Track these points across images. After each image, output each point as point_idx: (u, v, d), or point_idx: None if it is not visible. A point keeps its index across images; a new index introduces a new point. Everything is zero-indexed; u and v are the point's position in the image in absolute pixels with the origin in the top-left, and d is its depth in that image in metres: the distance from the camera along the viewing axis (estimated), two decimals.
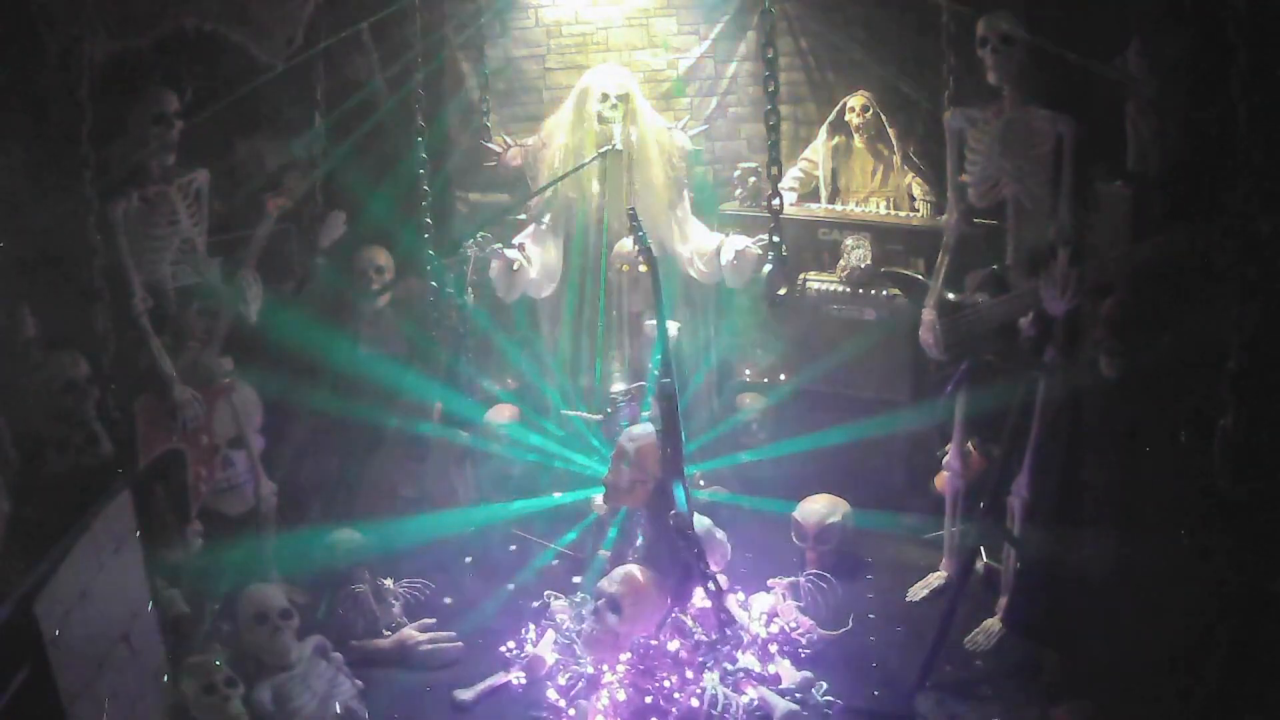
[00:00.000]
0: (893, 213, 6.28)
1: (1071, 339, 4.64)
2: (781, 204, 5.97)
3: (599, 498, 5.62)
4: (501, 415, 6.25)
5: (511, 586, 5.63)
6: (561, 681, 4.80)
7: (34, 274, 4.94)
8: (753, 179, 6.41)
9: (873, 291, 6.07)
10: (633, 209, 5.38)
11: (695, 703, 4.49)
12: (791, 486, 5.89)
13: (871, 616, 5.29)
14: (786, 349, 6.36)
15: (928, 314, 5.16)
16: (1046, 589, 4.65)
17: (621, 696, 4.55)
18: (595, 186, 6.21)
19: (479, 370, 6.33)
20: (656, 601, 4.73)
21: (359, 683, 4.82)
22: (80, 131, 4.58)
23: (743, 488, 6.20)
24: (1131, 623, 4.28)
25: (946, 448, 5.52)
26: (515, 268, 6.02)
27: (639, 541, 4.93)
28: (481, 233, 5.93)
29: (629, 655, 4.79)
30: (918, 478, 6.06)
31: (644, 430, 4.88)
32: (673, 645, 4.64)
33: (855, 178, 6.44)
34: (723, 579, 5.20)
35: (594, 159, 6.05)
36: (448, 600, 5.61)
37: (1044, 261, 4.76)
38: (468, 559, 5.89)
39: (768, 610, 5.11)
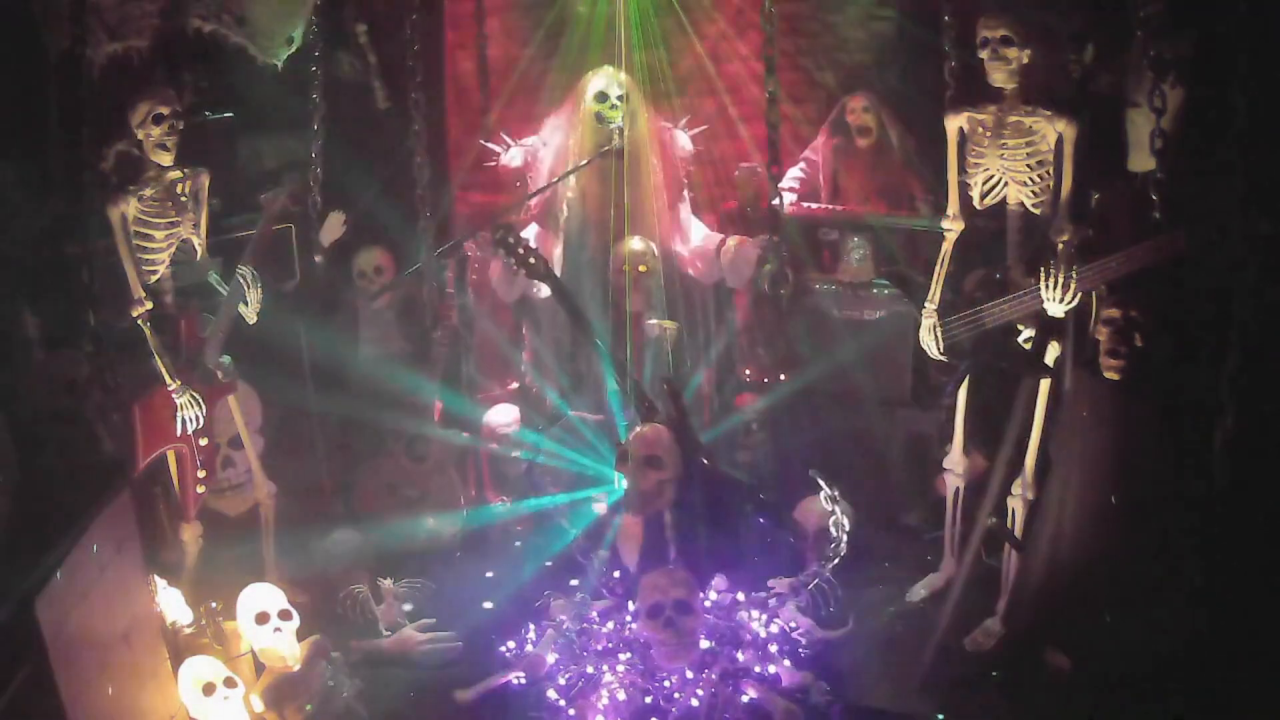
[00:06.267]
0: (893, 213, 6.28)
1: (1071, 339, 4.64)
2: (781, 204, 5.98)
3: (601, 504, 5.63)
4: (502, 416, 6.25)
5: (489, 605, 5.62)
6: (561, 681, 4.79)
7: (34, 274, 4.95)
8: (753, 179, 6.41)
9: (873, 291, 6.07)
10: (501, 226, 5.33)
11: (695, 703, 4.50)
12: (791, 487, 5.89)
13: (871, 616, 5.29)
14: (786, 349, 6.36)
15: (928, 314, 5.16)
16: (1047, 589, 4.65)
17: (621, 696, 4.55)
18: (595, 186, 6.21)
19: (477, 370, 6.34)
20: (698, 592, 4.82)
21: (359, 682, 4.82)
22: (80, 132, 4.58)
23: None
24: (1132, 622, 4.28)
25: (946, 448, 5.51)
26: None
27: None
28: (481, 233, 5.94)
29: (628, 655, 4.81)
30: (918, 478, 6.06)
31: (657, 430, 4.84)
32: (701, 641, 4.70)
33: (855, 178, 6.45)
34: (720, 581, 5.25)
35: (594, 159, 6.06)
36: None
37: (1044, 261, 4.76)
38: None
39: (767, 611, 5.11)
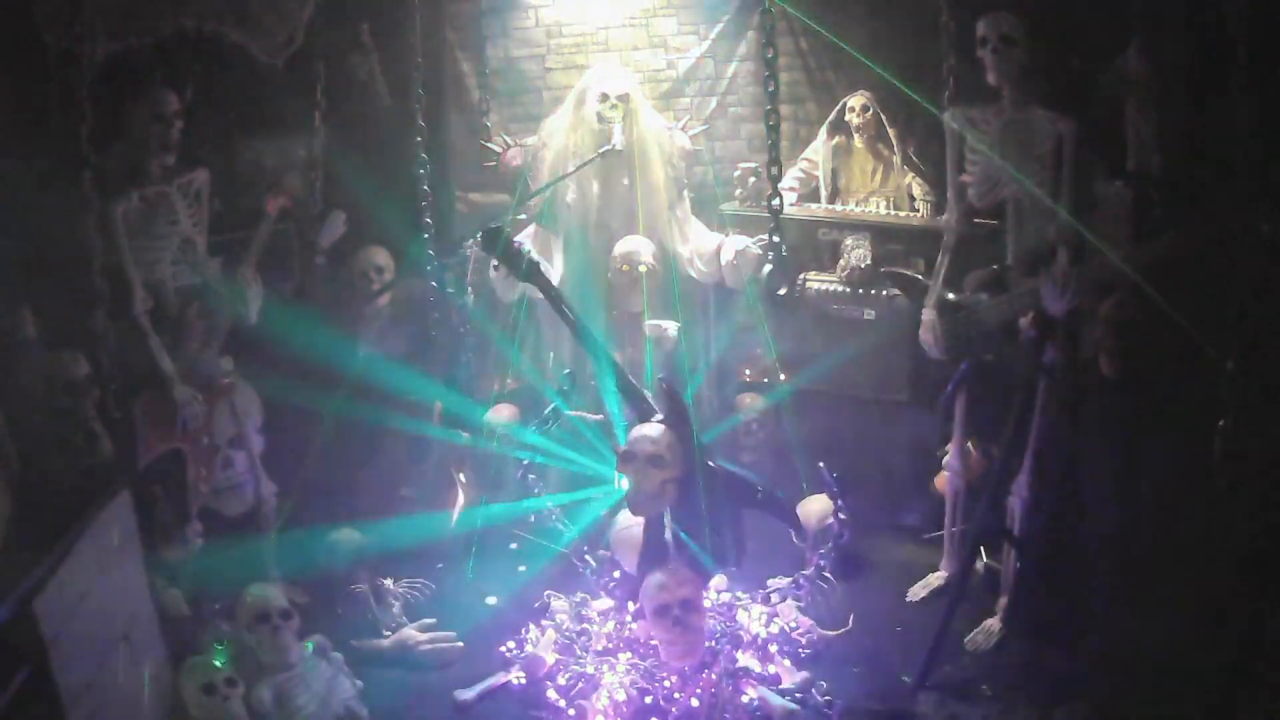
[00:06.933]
0: (893, 213, 6.28)
1: (1071, 339, 4.64)
2: (781, 204, 5.97)
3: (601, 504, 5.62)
4: (501, 415, 6.25)
5: (492, 600, 5.60)
6: (561, 681, 4.80)
7: (34, 274, 4.95)
8: (753, 179, 6.42)
9: (873, 291, 6.07)
10: (491, 228, 5.33)
11: (695, 703, 4.50)
12: (792, 486, 5.88)
13: (871, 616, 5.29)
14: (786, 349, 6.36)
15: (928, 314, 5.16)
16: (1047, 589, 4.65)
17: (621, 696, 4.55)
18: (595, 186, 6.21)
19: (480, 370, 6.33)
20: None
21: (359, 683, 4.82)
22: (80, 131, 4.58)
23: None
24: (1132, 622, 4.28)
25: (946, 448, 5.51)
26: None
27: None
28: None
29: (628, 655, 4.81)
30: (918, 478, 6.06)
31: (658, 429, 4.85)
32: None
33: (855, 178, 6.44)
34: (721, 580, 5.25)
35: (594, 159, 6.06)
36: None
37: (1044, 261, 4.76)
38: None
39: (768, 610, 5.11)
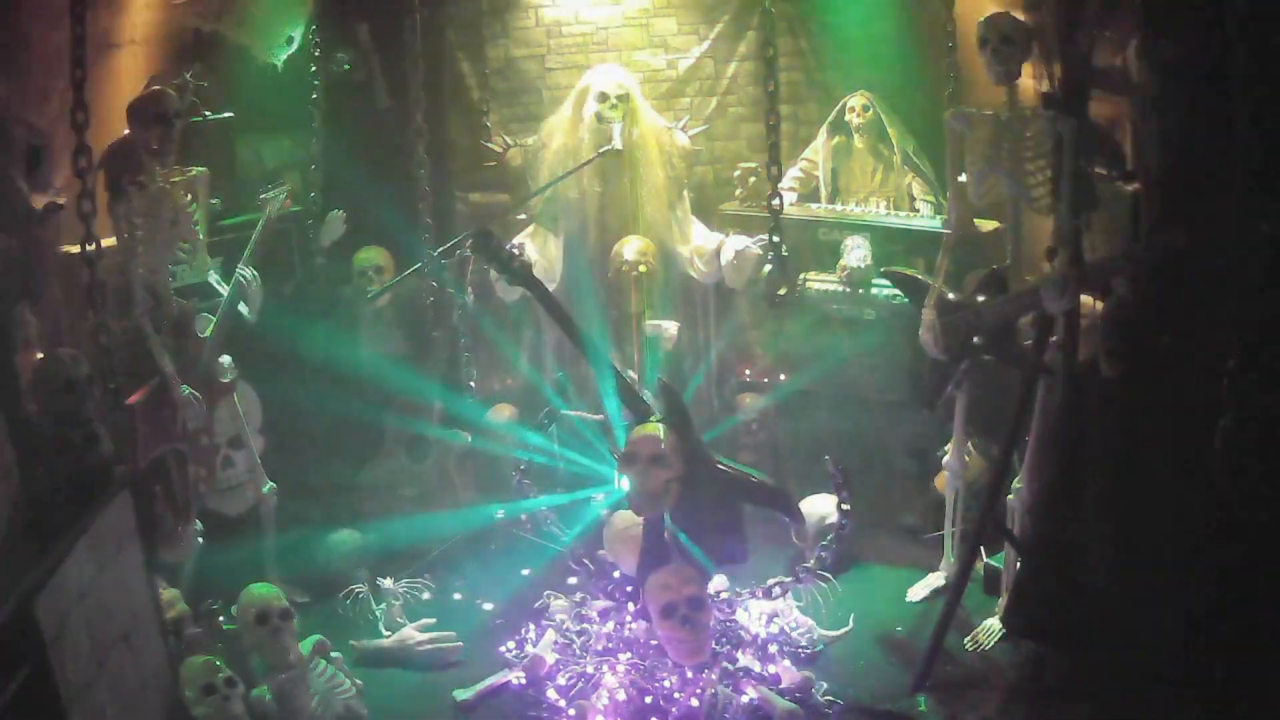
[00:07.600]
0: (893, 213, 6.28)
1: (1071, 339, 4.63)
2: (781, 204, 5.98)
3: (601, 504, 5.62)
4: (501, 415, 6.26)
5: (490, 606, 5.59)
6: (561, 681, 4.79)
7: (34, 273, 4.95)
8: (753, 179, 6.42)
9: (873, 291, 6.07)
10: (484, 231, 5.29)
11: (695, 703, 4.50)
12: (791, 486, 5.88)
13: (871, 617, 5.29)
14: (786, 349, 6.36)
15: (928, 314, 5.16)
16: (1047, 589, 4.65)
17: (621, 696, 4.55)
18: (595, 186, 6.22)
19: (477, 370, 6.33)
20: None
21: (359, 683, 4.82)
22: (81, 131, 4.57)
23: None
24: (1132, 622, 4.28)
25: (946, 448, 5.51)
26: None
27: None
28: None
29: (629, 655, 4.81)
30: (918, 478, 6.06)
31: (659, 429, 4.84)
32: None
33: (855, 178, 6.45)
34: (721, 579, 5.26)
35: (594, 159, 6.06)
36: (456, 596, 5.66)
37: (1044, 261, 4.76)
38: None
39: (768, 610, 5.11)
